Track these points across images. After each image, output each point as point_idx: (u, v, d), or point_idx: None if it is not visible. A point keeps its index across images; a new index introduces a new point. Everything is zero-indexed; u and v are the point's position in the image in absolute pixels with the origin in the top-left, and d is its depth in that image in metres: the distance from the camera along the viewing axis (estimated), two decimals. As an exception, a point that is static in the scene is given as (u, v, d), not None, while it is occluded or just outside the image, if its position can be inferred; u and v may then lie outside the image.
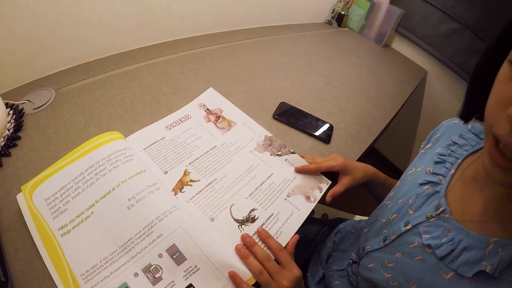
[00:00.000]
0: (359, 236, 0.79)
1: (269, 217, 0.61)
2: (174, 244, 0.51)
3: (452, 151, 0.63)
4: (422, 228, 0.55)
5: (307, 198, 0.67)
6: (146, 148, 0.66)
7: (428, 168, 0.63)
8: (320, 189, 0.70)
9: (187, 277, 0.49)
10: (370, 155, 2.40)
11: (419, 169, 0.66)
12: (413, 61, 1.93)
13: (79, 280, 0.46)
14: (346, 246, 0.83)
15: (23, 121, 0.69)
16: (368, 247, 0.65)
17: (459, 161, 0.60)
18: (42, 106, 0.73)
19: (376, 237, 0.64)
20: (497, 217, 0.49)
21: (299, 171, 0.73)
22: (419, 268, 0.52)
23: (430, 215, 0.55)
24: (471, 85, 0.53)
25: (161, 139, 0.68)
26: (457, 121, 0.68)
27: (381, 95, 1.30)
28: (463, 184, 0.56)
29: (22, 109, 0.71)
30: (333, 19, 1.93)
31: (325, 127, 0.90)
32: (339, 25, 1.94)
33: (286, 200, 0.65)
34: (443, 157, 0.62)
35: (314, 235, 0.94)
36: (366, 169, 0.78)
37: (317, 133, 0.86)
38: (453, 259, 0.49)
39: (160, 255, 0.50)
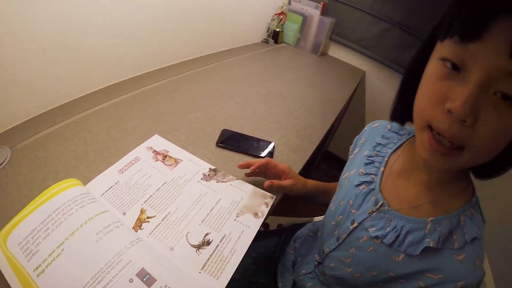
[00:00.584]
0: (316, 238, 0.86)
1: (222, 238, 0.68)
2: (143, 268, 0.56)
3: (378, 151, 0.70)
4: (367, 223, 0.61)
5: (255, 215, 0.75)
6: (104, 194, 0.72)
7: (360, 170, 0.69)
8: (267, 204, 0.78)
9: None
10: (328, 159, 2.50)
11: (352, 172, 0.72)
12: (350, 64, 2.05)
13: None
14: (307, 249, 0.89)
15: None
16: (326, 249, 0.71)
17: (386, 159, 0.67)
18: (0, 165, 0.75)
19: (330, 238, 0.70)
20: (428, 199, 0.56)
21: (242, 166, 0.82)
22: (374, 258, 0.59)
23: (371, 211, 0.61)
24: (403, 89, 0.59)
25: (115, 184, 0.75)
26: (377, 124, 0.75)
27: (320, 103, 1.40)
28: (393, 178, 0.63)
29: (-21, 170, 0.73)
30: (269, 37, 2.01)
31: (267, 145, 1.00)
32: (276, 42, 2.02)
33: (235, 220, 0.73)
34: (371, 158, 0.69)
35: (274, 247, 1.00)
36: (305, 182, 0.87)
37: (259, 153, 0.95)
38: (400, 243, 0.55)
39: (131, 280, 0.54)
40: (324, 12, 1.98)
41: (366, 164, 0.69)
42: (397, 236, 0.55)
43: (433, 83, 0.45)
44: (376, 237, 0.58)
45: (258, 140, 1.01)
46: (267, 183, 0.79)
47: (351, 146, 0.83)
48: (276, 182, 0.80)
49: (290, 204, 1.96)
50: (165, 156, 0.86)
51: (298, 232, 1.00)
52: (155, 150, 0.87)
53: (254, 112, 1.19)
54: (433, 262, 0.51)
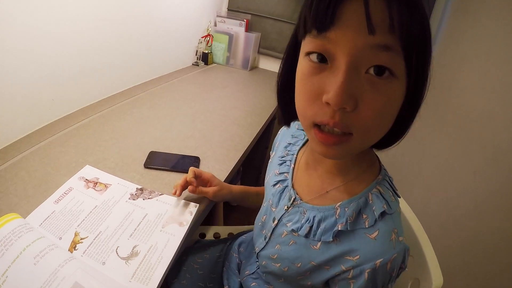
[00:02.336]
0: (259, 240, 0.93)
1: (150, 248, 0.79)
2: (76, 282, 0.65)
3: (288, 150, 0.74)
4: (285, 218, 0.65)
5: (180, 224, 0.86)
6: (42, 223, 0.81)
7: (275, 170, 0.74)
8: (191, 213, 0.89)
9: None
10: None
11: (270, 174, 0.78)
12: None
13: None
14: (250, 252, 0.92)
15: None
16: (257, 248, 0.76)
17: (295, 156, 0.71)
18: None
19: (259, 238, 0.76)
20: (333, 186, 0.58)
21: (177, 195, 0.85)
22: (295, 250, 0.61)
23: (287, 207, 0.65)
24: (281, 95, 0.61)
25: (52, 213, 0.85)
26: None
27: (247, 114, 1.53)
28: (301, 172, 0.68)
29: None
30: (199, 59, 2.09)
31: (192, 160, 1.12)
32: (206, 63, 2.11)
33: (161, 231, 0.84)
34: (283, 158, 0.74)
35: (219, 253, 1.05)
36: (229, 187, 0.97)
37: (185, 168, 1.06)
38: (314, 233, 0.57)
39: None
40: (248, 29, 2.11)
41: (280, 164, 0.74)
42: (311, 227, 0.58)
43: (306, 81, 0.45)
44: (293, 230, 0.61)
45: (184, 156, 1.14)
46: (190, 188, 0.85)
47: (270, 151, 0.89)
48: (199, 188, 0.86)
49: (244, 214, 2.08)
50: (95, 183, 0.97)
51: (243, 236, 1.05)
52: (86, 179, 0.98)
53: (180, 132, 1.31)
54: (348, 244, 0.53)
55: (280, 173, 0.72)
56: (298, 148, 0.73)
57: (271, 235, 0.70)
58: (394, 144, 0.53)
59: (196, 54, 2.12)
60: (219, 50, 2.17)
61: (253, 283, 0.83)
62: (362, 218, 0.53)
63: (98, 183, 0.97)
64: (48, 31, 1.10)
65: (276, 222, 0.68)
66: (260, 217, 0.78)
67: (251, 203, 1.02)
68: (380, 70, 0.40)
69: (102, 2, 1.27)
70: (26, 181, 0.96)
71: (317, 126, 0.46)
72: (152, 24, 1.61)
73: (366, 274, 0.50)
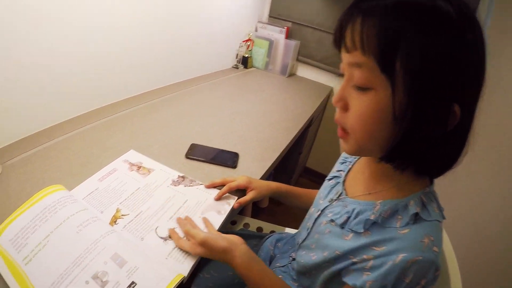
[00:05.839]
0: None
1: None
2: (116, 252, 0.66)
3: None
4: (328, 210, 0.68)
5: (218, 212, 0.87)
6: (85, 197, 0.83)
7: (336, 169, 0.79)
8: (229, 204, 0.90)
9: (129, 276, 0.62)
10: (307, 174, 2.61)
11: (331, 171, 0.81)
12: (318, 82, 2.17)
13: (44, 298, 0.59)
14: (287, 248, 0.95)
15: None
16: (300, 240, 0.77)
17: (356, 159, 0.75)
18: None
19: (303, 230, 0.77)
20: (375, 189, 0.60)
21: (209, 187, 0.93)
22: (328, 238, 0.63)
23: (332, 199, 0.69)
24: None
25: (95, 190, 0.86)
26: None
27: (284, 118, 1.54)
28: (353, 173, 0.72)
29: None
30: (239, 63, 2.12)
31: (231, 155, 1.13)
32: (246, 66, 2.14)
33: (200, 217, 0.84)
34: (346, 159, 0.78)
35: (256, 242, 1.07)
36: (269, 185, 0.97)
37: (225, 162, 1.09)
38: (350, 223, 0.59)
39: (106, 262, 0.63)
40: (288, 36, 2.12)
41: (341, 163, 0.78)
42: (348, 217, 0.60)
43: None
44: (332, 220, 0.64)
45: (223, 151, 1.15)
46: (235, 205, 0.90)
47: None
48: (242, 200, 0.91)
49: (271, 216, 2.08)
50: (139, 167, 0.98)
51: (283, 234, 1.06)
52: (130, 162, 1.00)
53: (220, 128, 1.33)
54: (378, 237, 0.53)
55: (338, 170, 0.77)
56: None
57: (312, 225, 0.72)
58: (435, 173, 0.55)
59: (236, 57, 2.15)
60: (259, 55, 2.19)
61: (280, 276, 0.84)
62: (397, 217, 0.53)
63: (141, 167, 0.99)
64: (101, 27, 1.14)
65: (319, 212, 0.71)
66: (309, 211, 0.81)
67: (288, 203, 1.03)
68: (356, 84, 0.49)
69: (153, 1, 1.32)
70: (71, 160, 0.99)
71: None
72: (198, 24, 1.66)
73: (383, 268, 0.49)
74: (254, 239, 1.09)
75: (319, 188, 0.83)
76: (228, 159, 1.11)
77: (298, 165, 2.21)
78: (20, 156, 0.96)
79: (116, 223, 0.78)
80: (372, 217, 0.55)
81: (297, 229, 1.14)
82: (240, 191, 0.96)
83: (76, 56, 1.08)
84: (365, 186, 0.64)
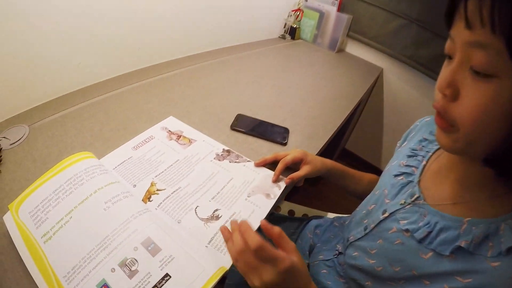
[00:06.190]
0: (342, 229, 0.84)
1: (232, 215, 0.68)
2: (149, 237, 0.56)
3: (423, 146, 0.68)
4: (399, 214, 0.59)
5: (267, 195, 0.74)
6: (116, 167, 0.73)
7: (401, 161, 0.68)
8: (279, 187, 0.78)
9: (163, 267, 0.53)
10: (345, 157, 2.48)
11: (393, 163, 0.71)
12: (367, 61, 2.02)
13: (63, 282, 0.50)
14: (329, 237, 0.87)
15: (1, 156, 0.73)
16: (351, 237, 0.69)
17: (430, 154, 0.65)
18: (17, 141, 0.77)
19: (357, 227, 0.69)
20: (464, 199, 0.52)
21: (259, 164, 0.82)
22: (400, 251, 0.55)
23: (404, 202, 0.59)
24: None
25: (128, 159, 0.76)
26: (429, 118, 0.74)
27: (335, 96, 1.39)
28: (432, 174, 0.61)
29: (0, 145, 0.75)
30: (286, 33, 2.01)
31: (281, 131, 0.99)
32: (293, 38, 2.01)
33: (246, 200, 0.72)
34: (415, 151, 0.67)
35: (294, 229, 0.98)
36: (324, 161, 0.86)
37: (274, 137, 0.95)
38: (431, 240, 0.51)
39: (136, 248, 0.54)
40: (340, 9, 1.97)
41: (409, 156, 0.68)
42: (429, 232, 0.52)
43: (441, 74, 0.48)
44: (407, 230, 0.56)
45: (273, 125, 1.01)
46: (287, 180, 0.79)
47: (399, 141, 0.80)
48: (295, 175, 0.80)
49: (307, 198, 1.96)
50: (179, 136, 0.87)
51: (321, 220, 0.98)
52: (169, 130, 0.88)
53: (269, 100, 1.19)
54: (464, 264, 0.48)
55: (407, 166, 0.66)
56: (435, 148, 0.66)
57: (375, 227, 0.63)
58: None
59: (284, 27, 2.09)
60: (307, 26, 2.04)
61: (324, 270, 0.77)
62: (488, 245, 0.46)
63: (181, 137, 0.87)
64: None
65: (386, 214, 0.61)
66: (366, 205, 0.71)
67: (347, 186, 0.93)
68: (476, 69, 0.40)
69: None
70: (104, 123, 0.90)
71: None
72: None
73: None
74: (290, 224, 0.99)
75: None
76: (277, 134, 0.97)
77: (339, 146, 2.07)
78: (50, 117, 0.89)
79: (150, 199, 0.67)
80: (462, 244, 0.47)
81: (333, 212, 1.10)
82: (288, 170, 0.83)
83: (117, 12, 1.01)
84: (449, 193, 0.55)
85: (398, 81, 1.97)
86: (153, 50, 1.23)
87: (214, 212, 0.68)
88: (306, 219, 1.02)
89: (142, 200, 0.67)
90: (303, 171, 0.81)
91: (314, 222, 0.97)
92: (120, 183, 0.67)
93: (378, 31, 1.92)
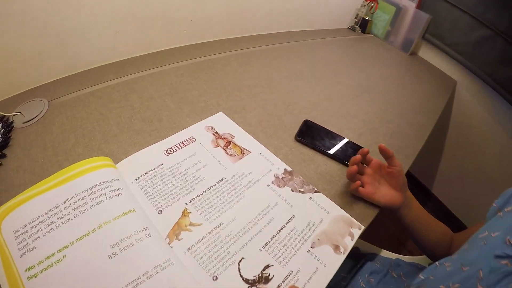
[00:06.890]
0: (401, 283, 0.71)
1: (287, 276, 0.48)
2: None
3: None
4: None
5: (336, 248, 0.54)
6: (139, 178, 0.54)
7: (508, 237, 0.52)
8: (352, 236, 0.57)
9: None
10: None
11: (494, 234, 0.55)
12: (441, 70, 1.82)
13: None
14: None
15: (10, 136, 0.62)
16: None
17: None
18: (32, 119, 0.65)
19: None
20: None
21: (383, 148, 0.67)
22: None
23: None
24: None
25: (157, 167, 0.56)
26: None
27: (413, 109, 1.15)
28: None
29: (12, 122, 0.63)
30: (357, 25, 1.86)
31: (357, 151, 0.76)
32: (363, 31, 1.86)
33: (309, 252, 0.52)
34: None
35: (346, 273, 0.82)
36: (413, 199, 0.71)
37: (347, 159, 0.72)
38: None
39: None
40: (420, 6, 1.79)
41: None
42: None
43: None
44: None
45: (348, 142, 0.78)
46: (356, 184, 0.63)
47: (497, 200, 0.62)
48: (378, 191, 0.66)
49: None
50: (228, 142, 0.66)
51: (377, 265, 0.81)
52: (217, 132, 0.68)
53: (342, 105, 0.97)
54: None
55: None
56: None
57: None
58: None
59: (355, 18, 1.87)
60: (381, 20, 1.87)
61: None
62: None
63: (232, 143, 0.66)
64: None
65: None
66: (446, 278, 0.54)
67: (417, 231, 0.74)
68: None
69: None
70: (136, 109, 0.73)
71: None
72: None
73: None
74: (343, 264, 0.83)
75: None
76: (352, 156, 0.74)
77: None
78: (73, 93, 0.75)
79: (179, 238, 0.48)
80: None
81: (388, 250, 0.93)
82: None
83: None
84: None
85: (471, 99, 1.73)
86: (207, 25, 1.05)
87: (263, 270, 0.48)
88: (360, 257, 0.87)
89: (168, 235, 0.47)
90: (387, 198, 0.65)
91: (369, 266, 0.80)
92: (137, 212, 0.48)
93: (458, 38, 1.71)
